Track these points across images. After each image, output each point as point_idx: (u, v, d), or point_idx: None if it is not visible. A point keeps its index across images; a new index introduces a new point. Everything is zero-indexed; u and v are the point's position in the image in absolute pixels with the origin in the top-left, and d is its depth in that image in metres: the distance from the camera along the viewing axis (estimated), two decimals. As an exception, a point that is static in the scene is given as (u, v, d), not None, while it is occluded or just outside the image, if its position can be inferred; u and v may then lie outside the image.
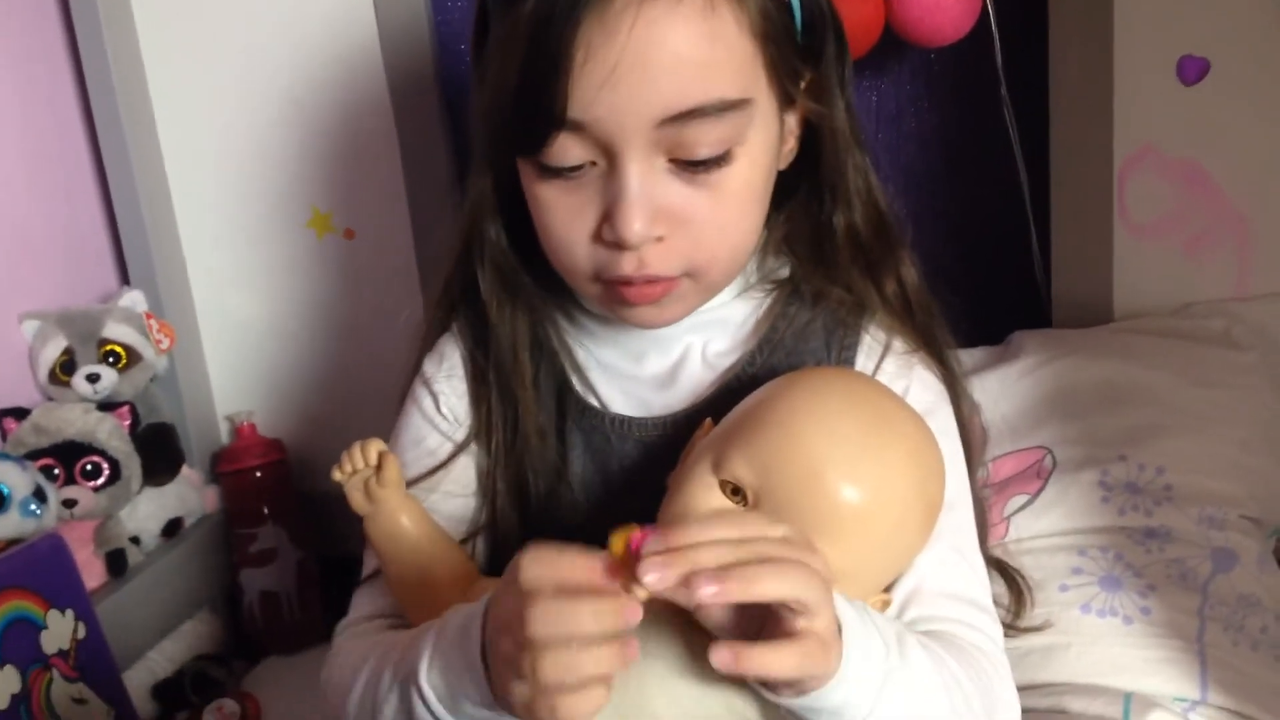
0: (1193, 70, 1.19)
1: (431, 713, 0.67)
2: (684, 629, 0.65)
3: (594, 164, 0.74)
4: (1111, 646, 1.02)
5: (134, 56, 1.48)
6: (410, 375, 0.93)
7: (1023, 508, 1.11)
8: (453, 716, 0.67)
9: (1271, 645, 1.04)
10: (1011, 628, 0.99)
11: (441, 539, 0.83)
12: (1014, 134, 1.26)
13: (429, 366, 0.91)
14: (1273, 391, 1.16)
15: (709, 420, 0.79)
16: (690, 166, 0.73)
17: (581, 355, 0.89)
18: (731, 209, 0.76)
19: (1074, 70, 1.21)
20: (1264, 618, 1.05)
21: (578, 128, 0.71)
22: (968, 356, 1.21)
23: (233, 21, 1.45)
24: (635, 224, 0.72)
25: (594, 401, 0.87)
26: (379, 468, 0.80)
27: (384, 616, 0.87)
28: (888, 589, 0.77)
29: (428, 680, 0.67)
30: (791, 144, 0.82)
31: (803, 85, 0.80)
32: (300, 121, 1.47)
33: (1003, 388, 1.18)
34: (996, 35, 1.22)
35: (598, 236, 0.76)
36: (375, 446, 0.80)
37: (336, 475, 0.81)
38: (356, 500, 0.81)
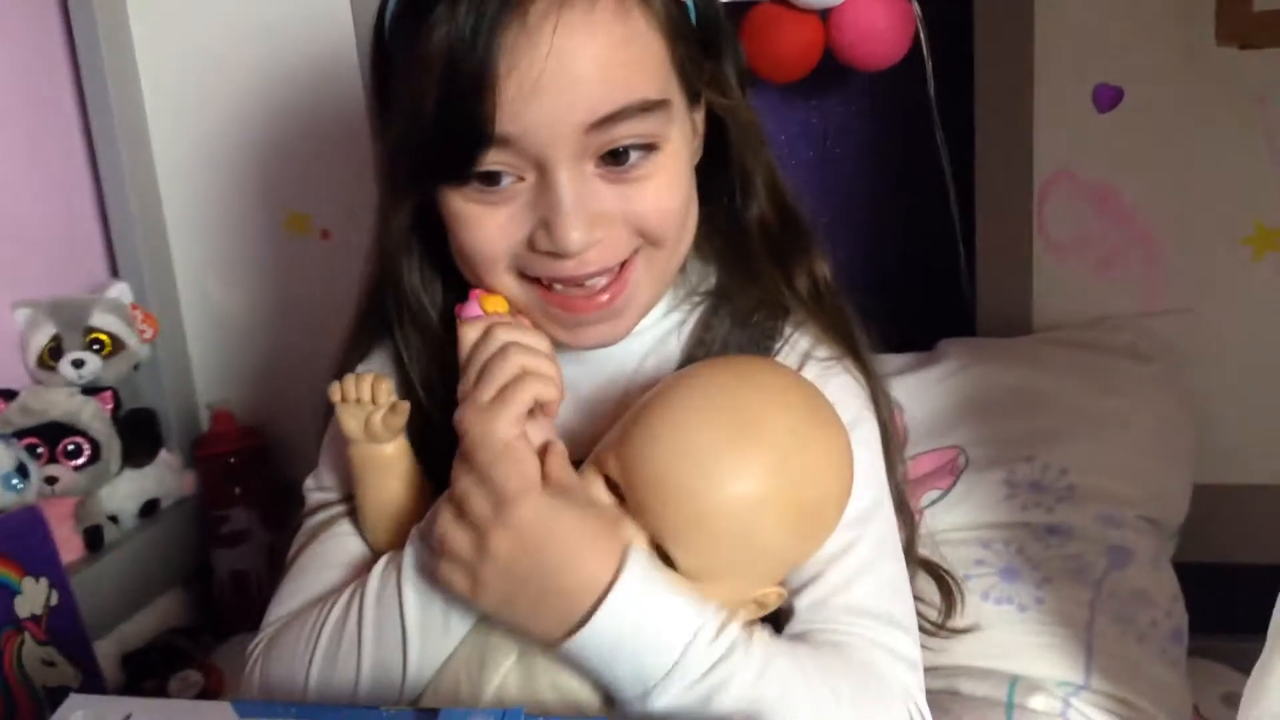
0: (1107, 98, 1.27)
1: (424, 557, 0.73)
2: None
3: (522, 179, 0.74)
4: (1004, 632, 1.09)
5: (128, 60, 1.56)
6: (340, 368, 0.91)
7: (935, 502, 1.18)
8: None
9: (1160, 638, 1.11)
10: (941, 628, 1.01)
11: (420, 476, 0.84)
12: (944, 155, 1.34)
13: None
14: (1174, 402, 1.23)
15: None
16: (618, 167, 0.74)
17: None
18: (665, 195, 0.76)
19: (997, 96, 1.28)
20: (1154, 613, 1.12)
21: (506, 142, 0.71)
22: (895, 361, 1.29)
23: (222, 30, 1.54)
24: (574, 233, 0.72)
25: None
26: (390, 410, 0.80)
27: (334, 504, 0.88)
28: (797, 591, 0.77)
29: (421, 527, 0.74)
30: (698, 142, 0.83)
31: (704, 81, 0.81)
32: (281, 128, 1.55)
33: (922, 390, 1.25)
34: (929, 61, 1.29)
35: (530, 246, 0.75)
36: (385, 386, 0.80)
37: (335, 395, 0.81)
38: (350, 427, 0.81)
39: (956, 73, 1.31)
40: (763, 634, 0.72)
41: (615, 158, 0.74)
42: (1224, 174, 1.26)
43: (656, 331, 0.86)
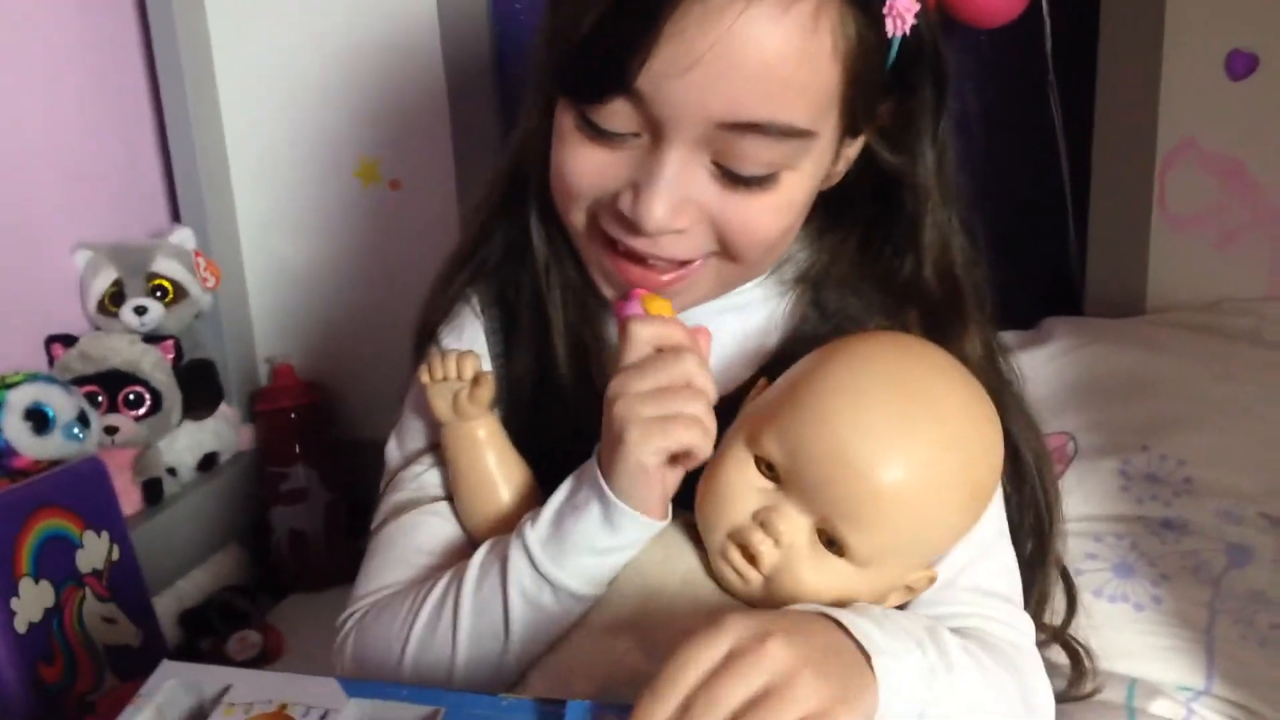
0: (1241, 65, 1.19)
1: (535, 565, 0.70)
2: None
3: (638, 135, 0.70)
4: (1120, 632, 1.03)
5: (196, 1, 1.51)
6: (420, 332, 0.90)
7: (1041, 490, 1.12)
8: (555, 565, 0.70)
9: (1280, 642, 1.05)
10: (1066, 698, 0.96)
11: (512, 456, 0.82)
12: (1058, 120, 1.27)
13: (449, 341, 0.88)
14: (1301, 390, 1.16)
15: (764, 380, 0.76)
16: (731, 176, 0.70)
17: (605, 329, 0.85)
18: (765, 222, 0.73)
19: (1122, 60, 1.21)
20: (1275, 614, 1.06)
21: (638, 99, 0.67)
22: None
23: (292, -30, 1.48)
24: (658, 210, 0.69)
25: None
26: (474, 384, 0.79)
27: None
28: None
29: (533, 533, 0.71)
30: (842, 168, 0.78)
31: (877, 122, 0.76)
32: (353, 71, 1.50)
33: (1030, 371, 1.15)
34: (1048, 20, 1.23)
35: (614, 202, 0.72)
36: (471, 362, 0.79)
37: (424, 377, 0.80)
38: (440, 408, 0.80)
39: (1077, 32, 1.24)
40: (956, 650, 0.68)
41: (738, 169, 0.70)
42: (1361, 150, 1.18)
43: (757, 293, 0.84)
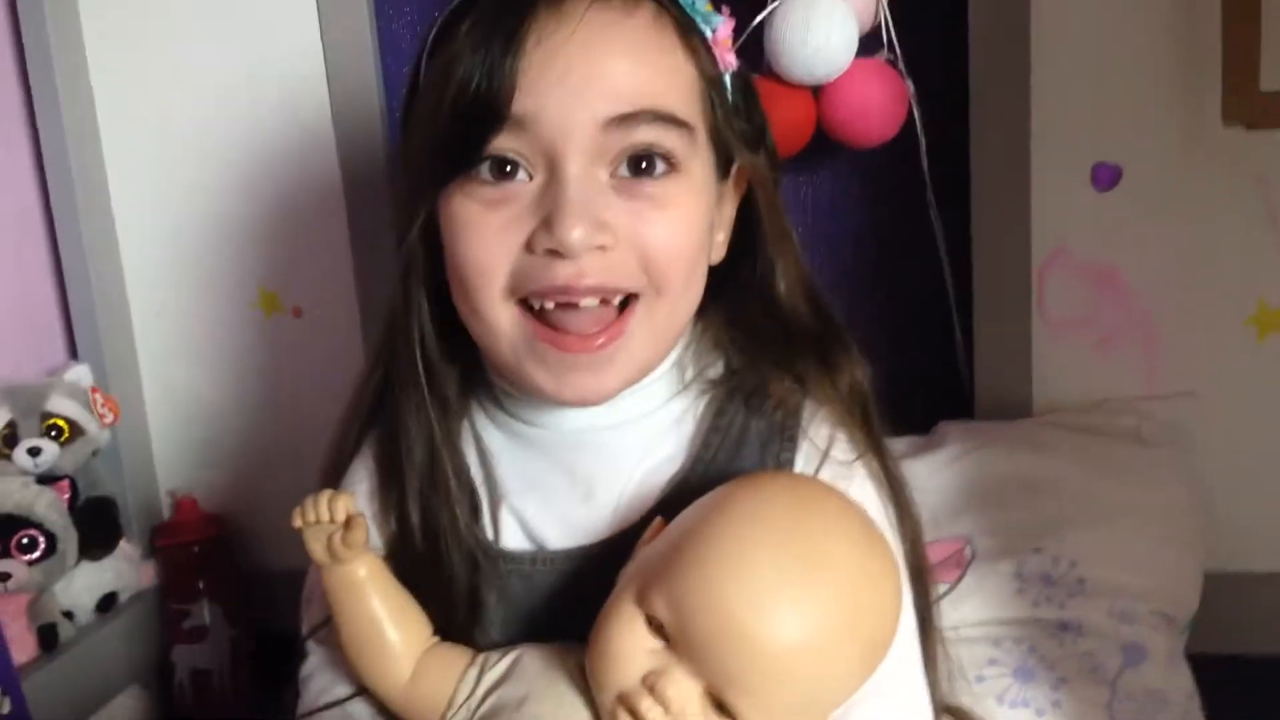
0: (1106, 177, 1.25)
1: None
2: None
3: (531, 177, 0.71)
4: (1023, 738, 1.04)
5: (91, 132, 1.51)
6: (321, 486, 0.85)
7: (942, 596, 1.13)
8: None
9: (1179, 739, 1.07)
10: None
11: (398, 596, 0.78)
12: (939, 233, 1.31)
13: None
14: (1182, 488, 1.19)
15: (660, 519, 0.73)
16: (635, 178, 0.71)
17: (502, 471, 0.82)
18: (678, 225, 0.72)
19: (993, 175, 1.26)
20: (1170, 713, 1.08)
21: (520, 125, 0.69)
22: (895, 445, 1.23)
23: (187, 101, 1.50)
24: (576, 229, 0.68)
25: (516, 540, 0.80)
26: (346, 526, 0.75)
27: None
28: None
29: None
30: (723, 237, 0.79)
31: (738, 138, 0.77)
32: (251, 201, 1.50)
33: (927, 477, 1.20)
34: (922, 139, 1.26)
35: (528, 249, 0.71)
36: (343, 504, 0.75)
37: (296, 522, 0.76)
38: (315, 551, 0.76)
39: (952, 150, 1.29)
40: None
41: (635, 167, 0.71)
42: (1225, 254, 1.24)
43: (662, 417, 0.80)
